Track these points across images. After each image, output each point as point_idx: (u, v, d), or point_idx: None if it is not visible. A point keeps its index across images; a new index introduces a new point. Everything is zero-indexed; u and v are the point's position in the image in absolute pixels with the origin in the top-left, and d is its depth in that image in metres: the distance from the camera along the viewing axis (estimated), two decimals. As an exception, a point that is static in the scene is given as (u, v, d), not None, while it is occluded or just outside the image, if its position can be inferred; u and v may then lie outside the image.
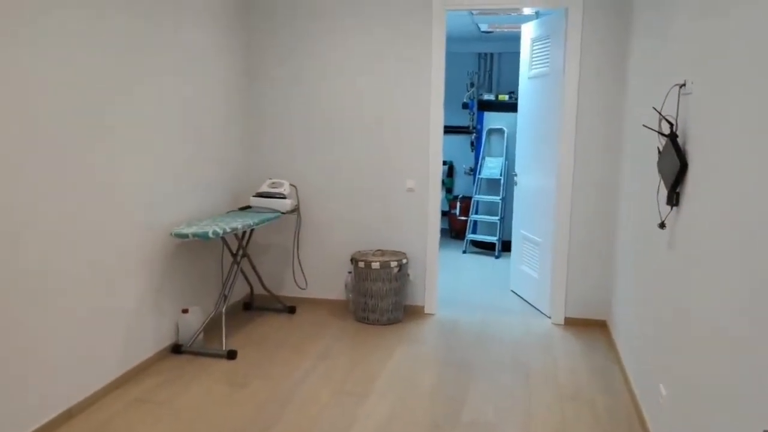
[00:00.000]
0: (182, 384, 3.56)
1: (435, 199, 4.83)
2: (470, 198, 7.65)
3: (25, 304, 2.78)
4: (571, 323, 4.74)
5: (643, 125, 3.05)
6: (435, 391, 3.53)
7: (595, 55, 4.45)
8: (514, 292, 5.61)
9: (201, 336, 4.12)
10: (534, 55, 5.14)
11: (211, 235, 3.71)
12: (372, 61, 4.77)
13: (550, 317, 4.84)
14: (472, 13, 5.91)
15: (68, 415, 3.09)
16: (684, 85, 2.57)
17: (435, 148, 4.77)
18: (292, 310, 4.90)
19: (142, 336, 3.72)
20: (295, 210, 4.86)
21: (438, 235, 4.89)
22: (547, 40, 4.86)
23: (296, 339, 4.33)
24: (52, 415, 2.99)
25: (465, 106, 8.17)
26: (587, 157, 4.56)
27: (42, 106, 2.83)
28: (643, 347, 3.23)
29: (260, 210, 4.63)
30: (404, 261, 4.68)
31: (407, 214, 4.88)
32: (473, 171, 7.94)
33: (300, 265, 5.09)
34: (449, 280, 6.03)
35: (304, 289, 5.12)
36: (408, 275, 4.86)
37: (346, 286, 4.97)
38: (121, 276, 3.47)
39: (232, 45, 4.69)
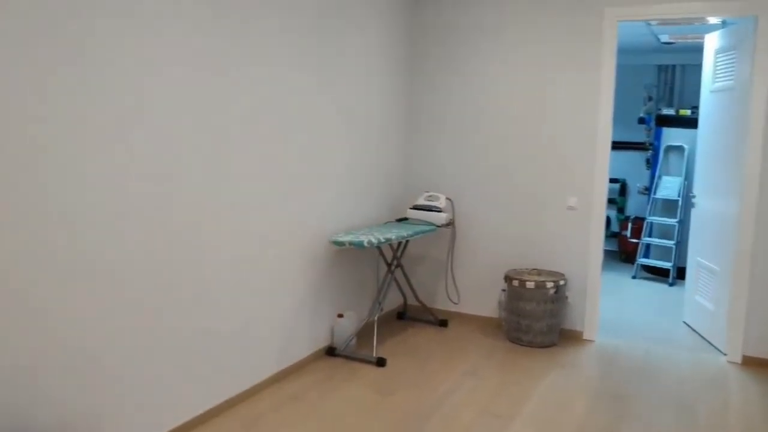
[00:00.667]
0: (333, 386, 3.70)
1: (599, 219, 4.59)
2: (643, 219, 7.17)
3: (199, 301, 3.06)
4: (750, 363, 4.25)
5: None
6: (586, 424, 3.34)
7: (791, 65, 3.97)
8: (686, 324, 5.15)
9: (354, 341, 4.27)
10: (717, 68, 4.71)
11: (366, 244, 3.83)
12: (535, 72, 4.66)
13: (725, 354, 4.38)
14: (650, 24, 5.57)
15: (227, 405, 3.34)
16: None
17: (601, 164, 4.54)
18: (443, 323, 4.90)
19: (300, 336, 3.94)
20: (450, 224, 4.88)
21: (601, 257, 4.64)
22: (733, 52, 4.44)
23: (445, 353, 4.33)
24: (214, 403, 3.25)
25: (641, 121, 7.68)
26: (777, 179, 4.08)
27: (216, 125, 3.12)
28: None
29: (416, 222, 4.70)
30: (561, 282, 4.49)
31: (567, 233, 4.69)
32: (648, 190, 7.43)
33: (453, 279, 5.09)
34: (614, 305, 5.69)
35: (456, 303, 5.11)
36: (566, 297, 4.66)
37: (499, 304, 4.88)
38: (284, 279, 3.71)
39: (396, 54, 4.84)
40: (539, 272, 4.66)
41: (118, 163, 2.58)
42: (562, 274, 4.63)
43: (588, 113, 4.54)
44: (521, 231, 4.83)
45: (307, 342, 4.02)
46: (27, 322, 2.26)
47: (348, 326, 4.23)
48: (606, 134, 4.51)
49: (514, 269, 4.77)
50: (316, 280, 4.04)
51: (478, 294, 5.03)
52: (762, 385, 3.90)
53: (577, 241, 4.66)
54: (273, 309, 3.64)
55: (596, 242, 4.62)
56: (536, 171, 4.74)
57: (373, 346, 4.22)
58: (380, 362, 4.04)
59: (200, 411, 3.15)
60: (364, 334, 4.56)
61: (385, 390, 3.68)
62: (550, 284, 4.43)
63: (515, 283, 4.50)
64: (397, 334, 4.71)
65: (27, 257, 2.24)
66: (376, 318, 4.26)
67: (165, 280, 2.86)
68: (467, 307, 5.08)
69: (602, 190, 4.57)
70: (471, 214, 4.98)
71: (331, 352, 4.19)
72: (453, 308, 5.13)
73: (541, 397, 3.65)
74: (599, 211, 4.59)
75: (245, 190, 3.33)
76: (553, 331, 4.52)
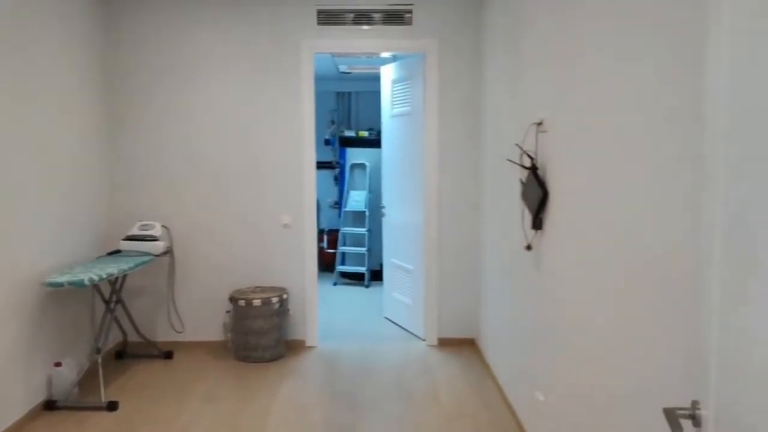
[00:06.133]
0: (61, 442, 3.37)
1: (311, 233, 4.96)
2: (337, 231, 7.85)
3: None
4: (443, 343, 5.05)
5: (507, 159, 3.41)
6: (328, 423, 3.62)
7: (453, 95, 4.86)
8: (388, 319, 5.84)
9: (76, 390, 3.90)
10: (395, 95, 5.48)
11: (87, 282, 3.57)
12: (241, 101, 4.84)
13: (424, 339, 5.12)
14: (333, 55, 6.18)
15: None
16: (541, 123, 2.94)
17: (309, 183, 4.92)
18: (168, 355, 4.76)
19: (12, 393, 3.47)
20: (168, 252, 4.77)
21: (316, 269, 5.02)
22: (407, 82, 5.23)
23: (178, 384, 4.23)
24: None
25: (327, 142, 8.40)
26: (452, 188, 4.93)
27: None
28: (516, 360, 3.56)
29: (131, 254, 4.49)
30: (285, 296, 4.75)
31: (284, 250, 4.96)
32: (338, 204, 8.16)
33: (175, 308, 4.98)
34: (325, 312, 6.15)
35: (180, 332, 4.99)
36: (288, 310, 4.92)
37: (224, 325, 4.93)
38: (-11, 332, 3.24)
39: (91, 87, 4.57)
40: (263, 289, 4.84)
41: None
42: (284, 288, 4.89)
43: (293, 137, 4.88)
44: (241, 251, 4.96)
45: (20, 399, 3.56)
46: None
47: (68, 374, 3.86)
48: (311, 155, 4.91)
49: (238, 289, 4.88)
50: (26, 327, 3.61)
51: (202, 320, 5.00)
52: (457, 360, 4.67)
53: (294, 256, 4.97)
54: (-19, 368, 3.17)
55: (311, 255, 4.99)
56: (249, 193, 4.92)
57: (100, 390, 3.91)
58: (111, 406, 3.78)
59: None
60: (86, 380, 4.18)
61: (124, 433, 3.48)
62: (275, 299, 4.65)
63: (241, 302, 4.61)
64: (121, 374, 4.43)
65: None
66: (99, 360, 3.96)
67: None
68: (192, 334, 5.00)
69: (312, 206, 4.95)
70: (188, 239, 4.93)
71: (51, 405, 3.77)
72: (178, 338, 5.00)
73: (281, 408, 3.83)
74: (311, 226, 4.96)
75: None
76: (280, 343, 4.75)
